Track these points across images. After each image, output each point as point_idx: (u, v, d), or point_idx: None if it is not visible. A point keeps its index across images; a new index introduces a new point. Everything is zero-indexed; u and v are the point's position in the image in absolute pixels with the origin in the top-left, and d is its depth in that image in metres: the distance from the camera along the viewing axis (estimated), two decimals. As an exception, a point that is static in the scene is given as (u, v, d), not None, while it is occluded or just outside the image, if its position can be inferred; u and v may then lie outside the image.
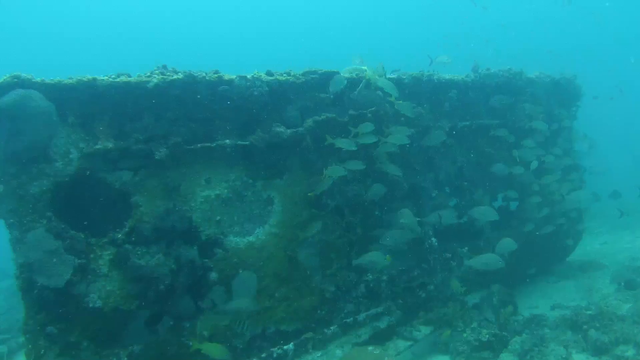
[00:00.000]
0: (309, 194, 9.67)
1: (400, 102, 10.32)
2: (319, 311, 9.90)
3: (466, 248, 12.46)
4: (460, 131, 12.42)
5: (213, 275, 8.90)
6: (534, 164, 13.12)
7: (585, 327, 10.39)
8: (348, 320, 9.77)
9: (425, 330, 10.45)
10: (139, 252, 8.36)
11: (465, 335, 10.31)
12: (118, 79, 8.34)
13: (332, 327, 9.45)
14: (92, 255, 8.14)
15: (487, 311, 12.24)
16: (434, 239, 11.87)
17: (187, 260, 8.59)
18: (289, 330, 9.58)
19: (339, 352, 9.16)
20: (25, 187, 7.84)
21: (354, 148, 9.77)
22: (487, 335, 10.17)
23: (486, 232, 13.05)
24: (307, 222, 9.86)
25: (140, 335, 8.52)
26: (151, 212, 8.57)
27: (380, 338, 10.07)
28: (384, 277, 10.79)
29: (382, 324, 10.29)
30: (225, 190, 9.18)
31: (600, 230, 22.50)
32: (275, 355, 8.46)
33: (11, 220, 7.79)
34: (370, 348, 8.89)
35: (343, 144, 9.74)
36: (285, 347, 8.64)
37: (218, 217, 9.06)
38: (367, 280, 10.57)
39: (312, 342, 9.02)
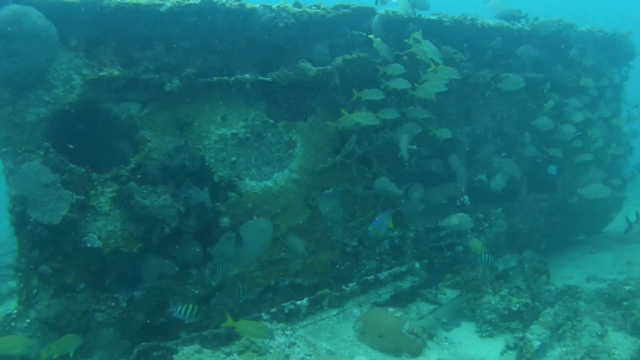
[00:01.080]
0: (329, 123, 8.87)
1: (442, 66, 9.27)
2: (338, 266, 9.17)
3: (500, 209, 11.58)
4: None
5: (224, 221, 8.17)
6: (577, 117, 12.02)
7: (625, 303, 9.52)
8: (369, 278, 9.00)
9: (451, 294, 9.66)
10: (144, 191, 7.64)
11: (493, 302, 9.51)
12: (127, 0, 7.48)
13: (350, 285, 8.69)
14: (92, 192, 7.44)
15: (518, 278, 11.44)
16: (466, 197, 11.01)
17: (197, 203, 7.85)
18: (304, 284, 8.88)
19: (356, 311, 8.43)
20: (21, 114, 7.11)
21: (381, 97, 8.86)
22: (518, 305, 9.36)
23: (522, 194, 12.12)
24: (331, 170, 9.05)
25: (143, 280, 7.87)
26: (160, 148, 7.81)
27: (402, 299, 9.31)
28: (411, 234, 9.99)
29: (405, 284, 9.52)
30: (243, 130, 8.37)
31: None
32: (286, 310, 7.75)
33: (4, 149, 7.09)
34: (390, 310, 8.15)
35: (371, 94, 8.83)
36: (298, 302, 7.91)
37: (233, 158, 8.28)
38: (392, 236, 9.77)
39: (328, 298, 8.29)
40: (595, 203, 12.95)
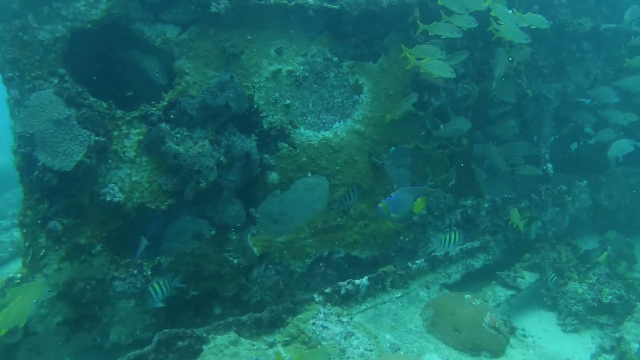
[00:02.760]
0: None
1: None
2: (402, 237, 7.72)
3: (585, 182, 9.98)
4: (602, 35, 9.68)
5: (273, 177, 6.74)
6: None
7: None
8: (438, 253, 7.55)
9: (530, 277, 8.18)
10: (178, 136, 6.22)
11: (580, 291, 8.03)
12: None
13: (417, 262, 7.26)
14: (115, 133, 6.03)
15: (597, 264, 9.93)
16: (549, 165, 9.43)
17: (242, 154, 6.40)
18: (362, 257, 7.46)
19: (423, 294, 7.02)
20: (32, 32, 5.69)
21: (456, 35, 7.15)
22: (610, 297, 7.85)
23: (611, 166, 10.47)
24: (401, 123, 7.54)
25: (172, 244, 6.52)
26: (200, 83, 6.35)
27: (474, 281, 7.91)
28: (486, 205, 8.48)
29: (478, 262, 8.08)
30: (301, 67, 6.87)
31: None
32: (343, 291, 6.37)
33: (10, 74, 5.69)
34: (467, 296, 6.71)
35: (443, 29, 7.04)
36: (357, 281, 6.52)
37: (287, 101, 6.79)
38: (465, 205, 8.28)
39: (391, 277, 6.88)
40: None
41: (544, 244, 8.99)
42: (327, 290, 6.22)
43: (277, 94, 6.76)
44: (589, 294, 7.98)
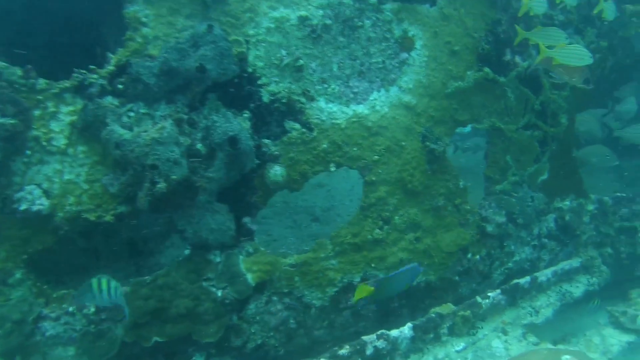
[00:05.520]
0: None
1: None
2: (470, 255, 5.47)
3: None
4: None
5: (276, 172, 4.63)
6: None
7: None
8: (521, 281, 5.30)
9: (654, 312, 5.79)
10: (131, 114, 4.21)
11: None
12: None
13: (491, 294, 5.04)
14: (36, 112, 4.05)
15: None
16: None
17: (225, 139, 4.31)
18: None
19: (498, 345, 4.80)
20: None
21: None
22: None
23: None
24: (471, 93, 5.26)
25: (125, 268, 4.57)
26: (165, 38, 4.28)
27: (572, 315, 5.62)
28: (590, 207, 6.10)
29: (577, 289, 5.77)
30: (320, 12, 4.70)
31: None
32: (370, 351, 4.25)
33: None
34: (566, 358, 4.46)
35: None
36: (393, 333, 4.38)
37: (300, 62, 4.63)
38: (562, 208, 5.95)
39: (449, 321, 4.70)
40: None
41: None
42: (343, 351, 4.09)
43: (284, 52, 4.60)
44: None
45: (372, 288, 4.38)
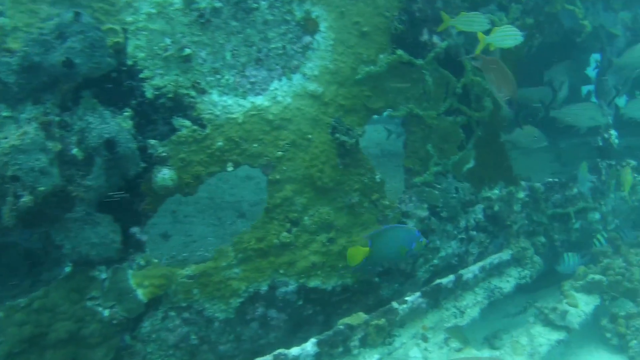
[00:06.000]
0: None
1: None
2: (390, 255, 5.08)
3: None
4: None
5: (164, 176, 4.11)
6: None
7: None
8: (443, 281, 4.93)
9: (586, 306, 5.50)
10: (-18, 116, 3.65)
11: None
12: None
13: (409, 298, 4.65)
14: None
15: None
16: (613, 132, 6.62)
17: (102, 142, 3.78)
18: (327, 288, 4.83)
19: (416, 354, 4.41)
20: None
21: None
22: None
23: None
24: (385, 77, 4.81)
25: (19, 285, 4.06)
26: (26, 28, 3.71)
27: (501, 312, 5.30)
28: (521, 195, 5.77)
29: (507, 283, 5.45)
30: (208, -8, 4.19)
31: None
32: (280, 362, 3.84)
33: None
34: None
35: None
36: (292, 352, 3.95)
37: (187, 50, 4.11)
38: (490, 198, 5.59)
39: (362, 331, 4.30)
40: None
41: (607, 248, 6.28)
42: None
43: (169, 40, 4.07)
44: None
45: (367, 248, 4.33)
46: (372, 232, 4.50)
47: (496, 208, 5.57)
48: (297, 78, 4.49)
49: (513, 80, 4.72)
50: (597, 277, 5.69)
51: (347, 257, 4.49)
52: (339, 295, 4.88)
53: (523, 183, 5.86)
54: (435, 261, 5.30)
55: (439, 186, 5.13)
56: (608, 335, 5.59)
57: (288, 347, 4.10)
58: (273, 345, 4.41)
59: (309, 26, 4.48)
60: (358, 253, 4.43)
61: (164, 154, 4.11)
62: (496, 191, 5.60)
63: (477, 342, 5.60)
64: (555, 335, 4.98)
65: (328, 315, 4.86)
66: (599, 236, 6.24)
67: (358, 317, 4.26)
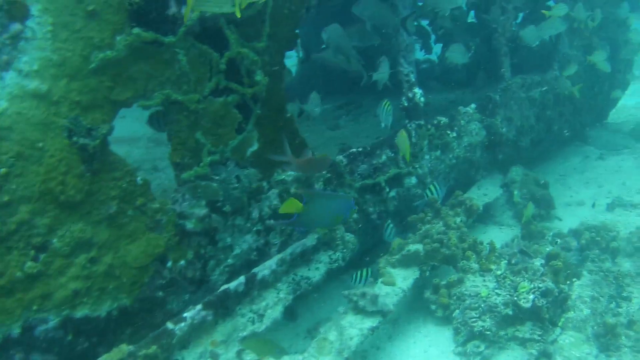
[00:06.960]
0: None
1: None
2: (170, 263, 4.41)
3: (473, 106, 6.99)
4: None
5: None
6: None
7: None
8: (230, 286, 4.36)
9: (404, 282, 5.13)
10: None
11: (485, 294, 5.10)
12: None
13: (187, 314, 4.04)
14: None
15: (505, 214, 7.17)
16: (417, 90, 6.32)
17: None
18: (101, 314, 4.11)
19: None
20: None
21: None
22: (533, 296, 4.96)
23: (506, 78, 7.47)
24: (129, 61, 4.10)
25: None
26: None
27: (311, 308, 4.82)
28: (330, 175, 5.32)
29: (315, 273, 4.99)
30: None
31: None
32: None
33: None
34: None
35: None
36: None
37: None
38: (285, 180, 5.08)
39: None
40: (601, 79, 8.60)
41: (424, 215, 5.98)
42: None
43: None
44: (498, 295, 5.06)
45: (302, 205, 4.31)
46: (309, 192, 4.63)
47: (293, 190, 5.06)
48: (10, 76, 3.67)
49: (325, 161, 4.79)
50: (413, 247, 5.34)
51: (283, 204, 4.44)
52: (117, 320, 4.18)
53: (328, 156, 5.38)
54: (230, 261, 4.71)
55: (217, 177, 4.52)
56: (433, 307, 5.27)
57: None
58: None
59: (14, 11, 3.67)
60: (292, 205, 4.34)
61: None
62: (291, 172, 5.07)
63: (299, 337, 5.14)
64: (368, 323, 4.54)
65: (110, 344, 4.14)
66: (431, 187, 5.90)
67: (120, 351, 3.56)
